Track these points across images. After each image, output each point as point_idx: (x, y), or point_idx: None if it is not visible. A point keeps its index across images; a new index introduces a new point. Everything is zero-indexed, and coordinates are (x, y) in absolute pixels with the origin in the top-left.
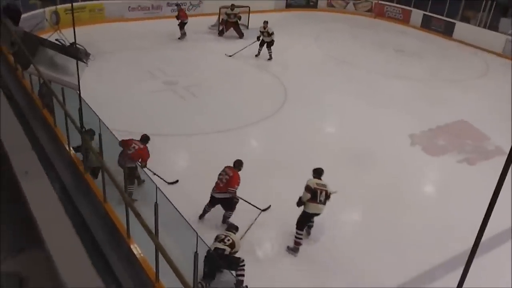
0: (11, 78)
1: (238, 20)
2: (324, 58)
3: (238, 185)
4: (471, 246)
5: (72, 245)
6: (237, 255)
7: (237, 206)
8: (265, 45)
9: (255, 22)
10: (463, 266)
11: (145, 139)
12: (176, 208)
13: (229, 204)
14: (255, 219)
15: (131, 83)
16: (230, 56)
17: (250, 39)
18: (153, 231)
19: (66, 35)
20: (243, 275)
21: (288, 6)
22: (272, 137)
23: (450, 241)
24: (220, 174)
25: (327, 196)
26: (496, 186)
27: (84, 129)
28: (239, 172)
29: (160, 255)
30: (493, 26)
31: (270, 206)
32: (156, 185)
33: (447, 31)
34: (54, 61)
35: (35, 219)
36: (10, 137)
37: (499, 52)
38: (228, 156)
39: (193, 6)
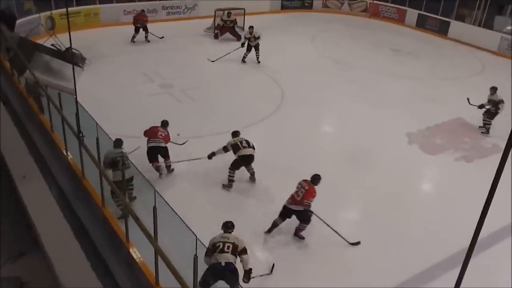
0: (7, 84)
1: (235, 24)
2: (321, 58)
3: (313, 198)
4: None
5: (71, 249)
6: None
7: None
8: (252, 48)
9: (250, 23)
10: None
11: (165, 124)
12: (174, 211)
13: (304, 216)
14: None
15: (128, 86)
16: (212, 61)
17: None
18: (152, 234)
19: (61, 40)
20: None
21: (284, 7)
22: (270, 139)
23: (449, 239)
24: (296, 187)
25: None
26: (492, 184)
27: (81, 134)
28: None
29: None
30: (488, 24)
31: (359, 242)
32: (154, 189)
33: (442, 30)
34: (50, 66)
35: (33, 224)
36: (7, 142)
37: (495, 50)
38: (225, 158)
39: (189, 9)
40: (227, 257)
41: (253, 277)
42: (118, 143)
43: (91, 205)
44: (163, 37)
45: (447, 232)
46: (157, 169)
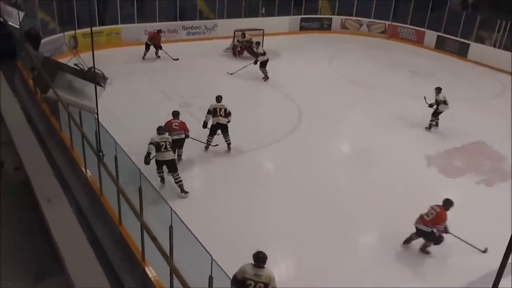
0: (31, 102)
1: (252, 44)
2: (339, 79)
3: (444, 222)
4: (494, 268)
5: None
6: None
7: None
8: (259, 65)
9: (269, 44)
10: None
11: (177, 114)
12: (190, 230)
13: (431, 238)
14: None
15: (148, 105)
16: (231, 74)
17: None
18: (168, 253)
19: (84, 59)
20: None
21: (302, 28)
22: (289, 158)
23: (470, 264)
24: (428, 209)
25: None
26: None
27: (101, 152)
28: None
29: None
30: (508, 47)
31: (486, 249)
32: (171, 207)
33: (461, 51)
34: (73, 85)
35: (57, 247)
36: (32, 163)
37: None
38: (244, 177)
39: (208, 29)
40: None
41: None
42: (161, 129)
43: (108, 222)
44: (177, 59)
45: (469, 257)
46: (179, 156)
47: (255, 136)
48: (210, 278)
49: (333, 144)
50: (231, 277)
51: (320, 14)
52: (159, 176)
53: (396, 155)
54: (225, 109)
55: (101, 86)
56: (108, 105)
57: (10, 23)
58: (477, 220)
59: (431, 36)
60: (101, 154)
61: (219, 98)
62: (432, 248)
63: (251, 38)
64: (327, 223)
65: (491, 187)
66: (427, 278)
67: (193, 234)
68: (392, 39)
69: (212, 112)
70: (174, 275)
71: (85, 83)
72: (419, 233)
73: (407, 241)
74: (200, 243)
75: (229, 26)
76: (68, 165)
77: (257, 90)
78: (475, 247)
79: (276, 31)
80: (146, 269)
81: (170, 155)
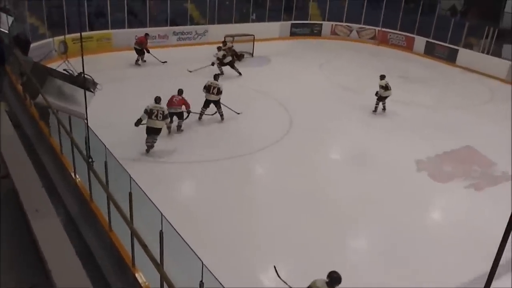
0: (20, 107)
1: (234, 57)
2: (329, 85)
3: None
4: (483, 272)
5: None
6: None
7: None
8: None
9: (260, 50)
10: None
11: (181, 92)
12: (181, 236)
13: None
14: None
15: (138, 110)
16: (190, 71)
17: (257, 67)
18: (158, 258)
19: (74, 64)
20: None
21: (293, 34)
22: (279, 164)
23: (460, 267)
24: None
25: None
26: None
27: (91, 159)
28: None
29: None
30: (497, 53)
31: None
32: (161, 213)
33: (450, 57)
34: (62, 91)
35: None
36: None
37: (503, 78)
38: (234, 183)
39: (199, 35)
40: None
41: None
42: (158, 99)
43: (98, 228)
44: (166, 62)
45: (459, 260)
46: (168, 128)
47: (245, 142)
48: (201, 284)
49: (322, 150)
50: (221, 283)
51: (310, 20)
52: (146, 144)
53: (386, 160)
54: (218, 88)
55: (91, 91)
56: (98, 110)
57: None
58: (466, 224)
59: (420, 42)
60: (90, 160)
61: (216, 77)
62: (426, 249)
63: (232, 46)
64: (318, 227)
65: (480, 191)
66: (418, 280)
67: (183, 239)
68: (382, 45)
69: (207, 88)
70: (164, 282)
71: (75, 89)
72: None
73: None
74: (191, 248)
75: (220, 31)
76: (58, 171)
77: (247, 95)
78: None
79: (266, 36)
80: (137, 275)
81: (158, 124)
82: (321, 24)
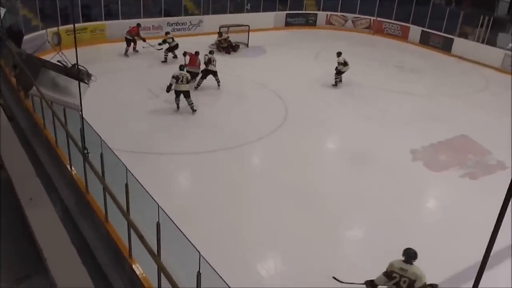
0: (13, 100)
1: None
2: (325, 75)
3: None
4: (476, 261)
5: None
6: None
7: None
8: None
9: (255, 40)
10: (468, 283)
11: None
12: (178, 227)
13: None
14: None
15: (133, 102)
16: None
17: (252, 58)
18: (156, 250)
19: (67, 56)
20: None
21: (288, 24)
22: (273, 155)
23: (455, 256)
24: None
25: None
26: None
27: (86, 150)
28: None
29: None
30: (491, 41)
31: None
32: (158, 204)
33: (445, 46)
34: (56, 83)
35: (39, 247)
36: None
37: (498, 67)
38: (228, 174)
39: (194, 25)
40: None
41: None
42: (182, 67)
43: (95, 220)
44: (161, 48)
45: (454, 249)
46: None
47: (239, 133)
48: (198, 274)
49: (317, 141)
50: (218, 273)
51: (305, 10)
52: (176, 103)
53: (381, 150)
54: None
55: (85, 83)
56: (93, 102)
57: None
58: (461, 213)
59: (415, 31)
60: (86, 151)
61: (212, 52)
62: (421, 238)
63: (228, 37)
64: (312, 218)
65: (475, 180)
66: None
67: (180, 230)
68: (377, 34)
69: (208, 61)
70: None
71: (69, 80)
72: None
73: None
74: (188, 239)
75: (214, 22)
76: (53, 163)
77: (242, 86)
78: None
79: (261, 27)
80: (134, 266)
81: (185, 87)
82: (316, 14)
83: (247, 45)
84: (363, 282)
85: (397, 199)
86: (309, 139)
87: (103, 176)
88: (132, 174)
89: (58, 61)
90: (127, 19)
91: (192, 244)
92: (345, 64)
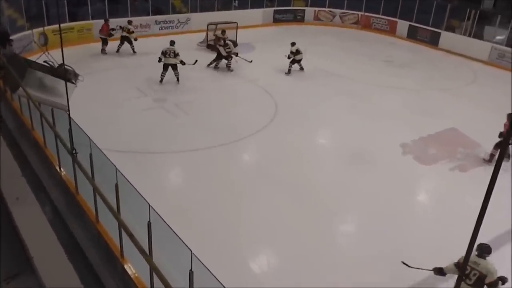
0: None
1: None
2: (314, 70)
3: None
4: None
5: (64, 270)
6: None
7: None
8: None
9: (243, 37)
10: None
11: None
12: (168, 225)
13: None
14: None
15: (121, 101)
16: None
17: (240, 54)
18: (147, 249)
19: (54, 56)
20: None
21: (276, 20)
22: (263, 151)
23: (445, 248)
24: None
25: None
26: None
27: (75, 151)
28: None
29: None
30: (478, 35)
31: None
32: (149, 204)
33: (433, 41)
34: (43, 83)
35: (26, 246)
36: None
37: (485, 60)
38: (221, 171)
39: (181, 23)
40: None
41: None
42: (172, 42)
43: (85, 220)
44: (136, 39)
45: (444, 241)
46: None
47: (230, 129)
48: (191, 273)
49: (308, 136)
50: (211, 271)
51: (293, 6)
52: (160, 76)
53: (371, 144)
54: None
55: (72, 83)
56: (81, 102)
57: None
58: (451, 205)
59: (403, 25)
60: (74, 152)
61: (224, 32)
62: (412, 230)
63: (227, 37)
64: (305, 212)
65: (465, 172)
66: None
67: (172, 229)
68: (365, 29)
69: (222, 43)
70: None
71: (56, 80)
72: None
73: None
74: (180, 238)
75: (202, 19)
76: (42, 165)
77: (231, 82)
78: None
79: (249, 23)
80: (126, 266)
81: (173, 61)
82: (304, 10)
83: (235, 42)
84: (431, 269)
85: (387, 193)
86: (300, 134)
87: (92, 177)
88: (122, 174)
89: (45, 61)
90: (114, 18)
91: (183, 242)
92: (297, 52)
